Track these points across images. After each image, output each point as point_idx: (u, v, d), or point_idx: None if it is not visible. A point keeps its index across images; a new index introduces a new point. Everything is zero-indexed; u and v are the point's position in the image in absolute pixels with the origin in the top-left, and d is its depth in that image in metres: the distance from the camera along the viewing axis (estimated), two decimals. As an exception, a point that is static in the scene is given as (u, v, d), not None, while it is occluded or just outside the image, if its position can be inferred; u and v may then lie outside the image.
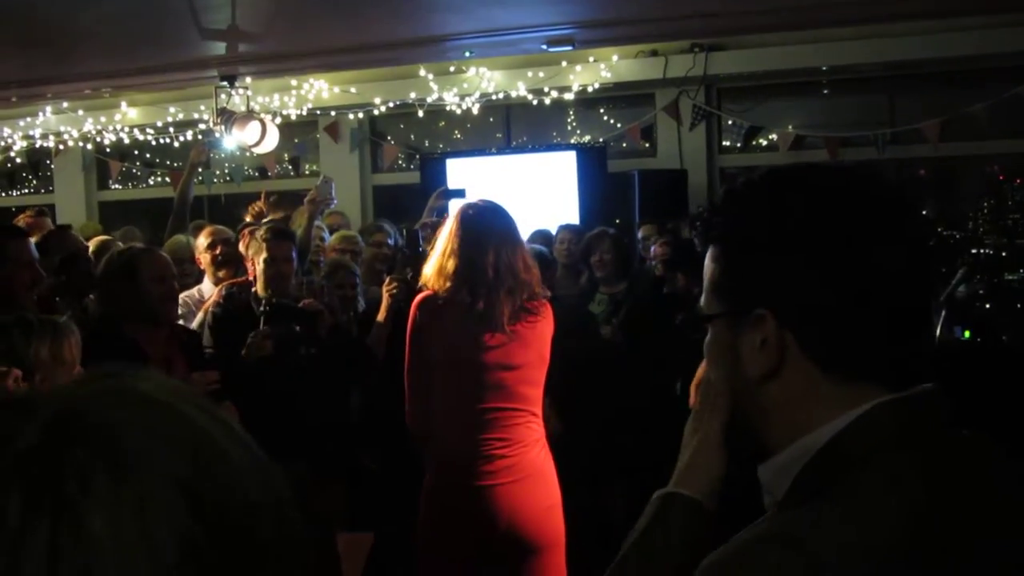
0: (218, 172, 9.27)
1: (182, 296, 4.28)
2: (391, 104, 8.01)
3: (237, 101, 6.46)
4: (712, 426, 1.13)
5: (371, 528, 3.51)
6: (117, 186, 9.87)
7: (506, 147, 8.53)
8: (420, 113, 8.00)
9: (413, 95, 7.84)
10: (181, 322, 3.96)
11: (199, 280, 4.77)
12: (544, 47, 6.55)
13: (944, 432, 0.97)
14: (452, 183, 6.82)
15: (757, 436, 1.05)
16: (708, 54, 7.28)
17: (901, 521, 0.87)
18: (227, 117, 6.11)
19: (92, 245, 4.97)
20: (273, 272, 3.85)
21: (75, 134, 8.98)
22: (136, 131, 8.87)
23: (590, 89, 7.54)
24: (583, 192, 7.29)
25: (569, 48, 6.63)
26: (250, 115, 6.19)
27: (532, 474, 3.03)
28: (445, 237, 3.08)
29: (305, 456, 3.48)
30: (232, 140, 6.19)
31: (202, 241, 4.74)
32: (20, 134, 9.12)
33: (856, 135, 7.35)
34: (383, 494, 4.04)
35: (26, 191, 10.37)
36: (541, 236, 5.75)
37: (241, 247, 4.54)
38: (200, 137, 8.29)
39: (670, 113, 7.67)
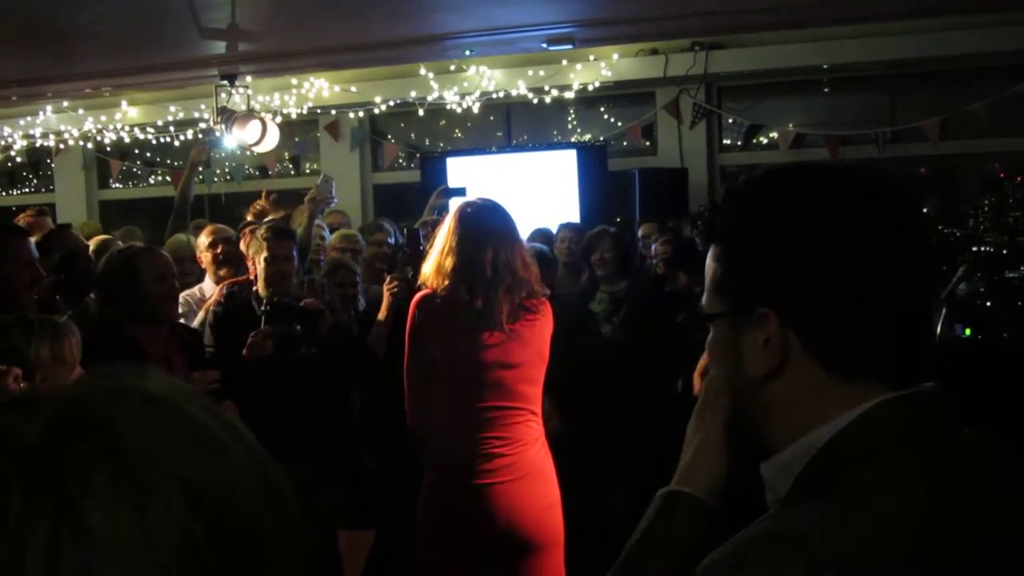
0: (219, 171, 9.27)
1: (183, 295, 4.28)
2: (391, 103, 8.01)
3: (237, 100, 6.46)
4: (714, 424, 1.13)
5: (372, 526, 3.51)
6: (118, 185, 9.87)
7: (506, 146, 8.53)
8: (420, 112, 8.00)
9: (413, 94, 7.84)
10: (182, 321, 3.96)
11: (200, 279, 4.77)
12: (544, 46, 6.54)
13: (946, 431, 0.97)
14: (452, 182, 6.83)
15: (759, 435, 1.05)
16: (708, 52, 7.28)
17: (902, 520, 0.87)
18: (227, 116, 6.11)
19: (92, 244, 4.97)
20: (274, 271, 3.85)
21: (75, 133, 8.98)
22: (136, 130, 8.87)
23: (590, 88, 7.54)
24: (583, 191, 7.29)
25: (569, 47, 6.63)
26: (250, 114, 6.19)
27: (531, 473, 3.03)
28: (444, 235, 3.08)
29: (305, 455, 3.49)
30: (232, 139, 6.19)
31: (203, 240, 4.74)
32: (20, 133, 9.12)
33: (856, 133, 7.35)
34: (383, 493, 4.04)
35: (26, 190, 10.37)
36: (541, 235, 5.76)
37: (242, 246, 4.55)
38: (200, 136, 8.29)
39: (670, 111, 7.67)
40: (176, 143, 8.89)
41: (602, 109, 8.28)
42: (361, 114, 8.40)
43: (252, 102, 6.93)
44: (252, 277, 4.07)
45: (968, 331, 4.56)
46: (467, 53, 6.98)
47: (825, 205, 0.98)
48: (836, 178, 1.02)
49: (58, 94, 8.18)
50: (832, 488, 0.92)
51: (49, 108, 8.70)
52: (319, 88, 8.04)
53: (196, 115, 8.45)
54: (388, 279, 4.10)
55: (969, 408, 1.01)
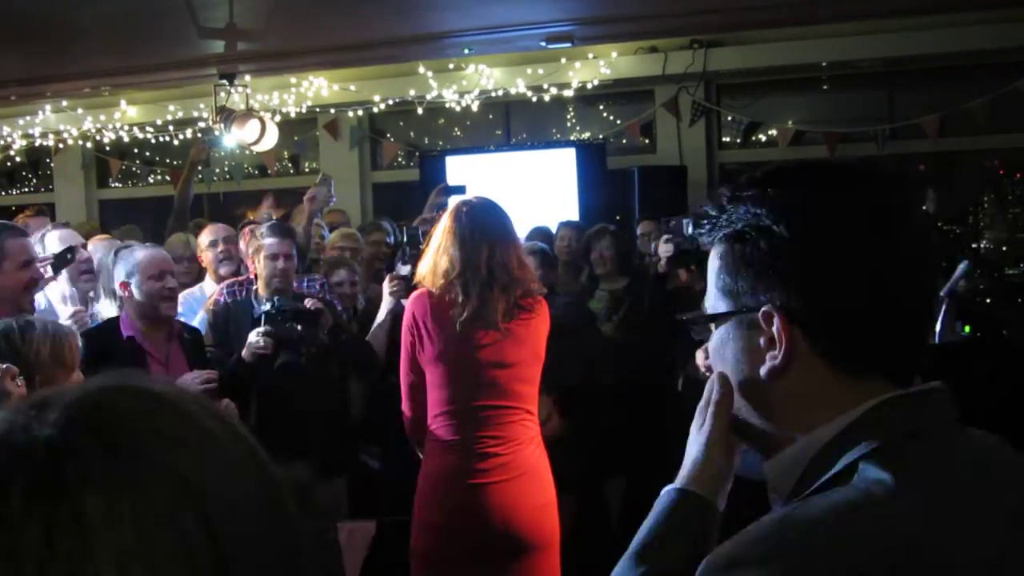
0: (218, 170, 9.26)
1: (183, 294, 4.29)
2: (390, 101, 8.00)
3: (236, 99, 6.45)
4: (717, 423, 1.13)
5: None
6: (117, 184, 9.87)
7: (506, 144, 8.52)
8: (419, 110, 7.99)
9: (412, 92, 7.83)
10: (182, 320, 3.96)
11: (200, 278, 4.78)
12: (543, 44, 6.54)
13: (950, 430, 0.97)
14: (452, 180, 6.82)
15: (762, 433, 1.05)
16: (707, 50, 7.27)
17: (903, 520, 0.87)
18: (226, 115, 6.11)
19: (91, 244, 4.96)
20: (273, 269, 3.85)
21: (75, 132, 8.98)
22: (136, 129, 8.86)
23: (589, 86, 7.53)
24: (583, 189, 7.28)
25: (568, 45, 6.63)
26: (249, 113, 6.19)
27: (527, 472, 3.02)
28: (440, 234, 3.07)
29: (306, 454, 3.49)
30: (232, 138, 6.19)
31: (203, 239, 4.75)
32: (19, 133, 9.11)
33: (855, 131, 7.34)
34: (383, 491, 4.05)
35: (26, 190, 10.36)
36: (540, 233, 5.75)
37: (242, 245, 4.55)
38: (200, 135, 8.28)
39: (669, 109, 7.66)
40: (175, 142, 8.88)
41: (601, 107, 8.27)
42: (360, 113, 8.39)
43: (251, 101, 6.93)
44: (252, 276, 4.07)
45: (968, 328, 4.56)
46: (466, 51, 6.98)
47: (829, 204, 0.99)
48: (839, 176, 1.03)
49: (57, 93, 8.17)
50: (834, 487, 0.92)
51: (48, 107, 8.70)
52: (318, 87, 8.03)
53: (195, 114, 8.45)
54: (388, 278, 4.10)
55: (969, 406, 1.01)
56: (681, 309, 4.04)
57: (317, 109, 8.29)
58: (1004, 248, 6.70)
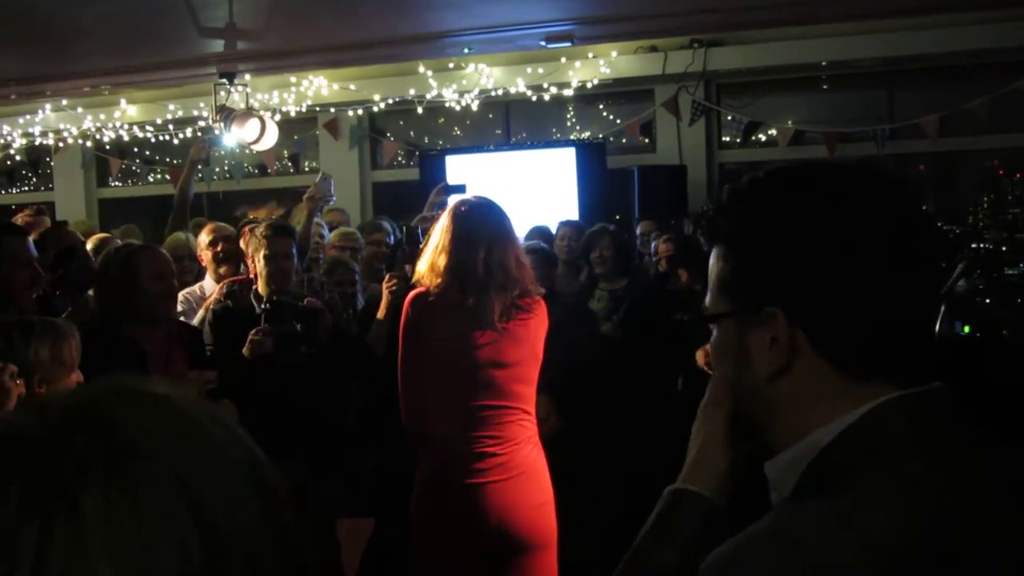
0: (218, 169, 9.26)
1: (183, 293, 4.28)
2: (390, 101, 8.01)
3: (236, 98, 6.46)
4: (718, 423, 1.13)
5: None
6: (117, 183, 9.88)
7: (505, 143, 8.52)
8: (419, 110, 7.99)
9: (412, 92, 7.84)
10: (182, 319, 3.96)
11: (200, 277, 4.78)
12: (543, 43, 6.54)
13: (951, 431, 0.97)
14: (452, 180, 6.82)
15: (763, 434, 1.05)
16: (707, 50, 7.28)
17: (904, 521, 0.87)
18: (226, 114, 6.11)
19: (90, 243, 4.97)
20: (273, 268, 3.85)
21: (75, 131, 8.99)
22: (136, 128, 8.87)
23: (589, 85, 7.53)
24: (583, 188, 7.28)
25: (568, 44, 6.63)
26: (249, 112, 6.19)
27: (524, 472, 3.02)
28: (438, 233, 3.07)
29: (305, 453, 3.49)
30: (231, 137, 6.19)
31: (203, 238, 4.74)
32: (19, 132, 9.12)
33: (855, 130, 7.35)
34: (381, 489, 4.05)
35: (26, 189, 10.38)
36: (539, 233, 5.74)
37: (242, 244, 4.55)
38: (200, 134, 8.29)
39: (669, 109, 7.66)
40: (175, 141, 8.88)
41: (601, 106, 8.27)
42: (360, 112, 8.39)
43: (251, 100, 6.94)
44: (252, 275, 4.07)
45: (967, 328, 4.56)
46: (466, 51, 6.98)
47: (831, 203, 0.98)
48: (840, 176, 1.03)
49: (57, 93, 8.18)
50: (835, 487, 0.92)
51: (48, 107, 8.70)
52: (318, 86, 8.04)
53: (195, 113, 8.46)
54: (387, 277, 4.10)
55: (968, 406, 1.01)
56: (681, 309, 4.05)
57: (317, 108, 8.30)
58: (1004, 248, 6.69)
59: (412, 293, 3.12)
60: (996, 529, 0.90)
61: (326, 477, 3.77)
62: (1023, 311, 4.95)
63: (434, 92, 7.78)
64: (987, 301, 4.99)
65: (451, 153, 7.90)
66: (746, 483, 1.15)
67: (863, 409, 0.95)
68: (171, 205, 6.02)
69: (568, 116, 8.40)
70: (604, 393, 4.38)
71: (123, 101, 8.57)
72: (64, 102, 8.66)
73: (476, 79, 7.76)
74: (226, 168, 9.25)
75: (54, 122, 8.98)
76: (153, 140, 9.10)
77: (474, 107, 7.83)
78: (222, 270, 4.62)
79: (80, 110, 8.84)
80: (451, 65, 7.69)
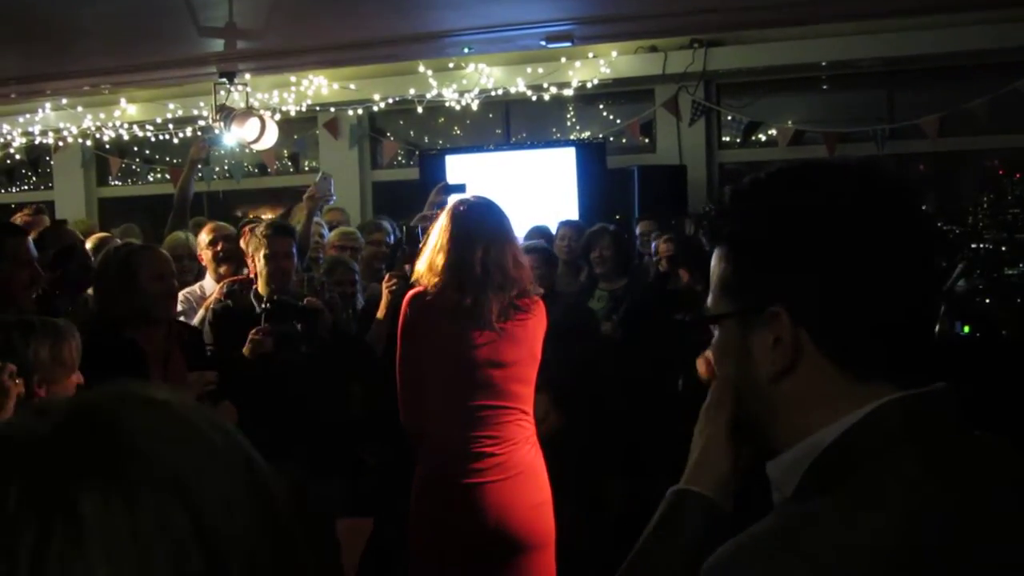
0: (218, 168, 9.26)
1: (183, 293, 4.28)
2: (390, 100, 8.00)
3: (236, 97, 6.46)
4: (720, 423, 1.13)
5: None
6: (117, 183, 9.88)
7: (505, 143, 8.52)
8: (419, 109, 7.99)
9: (412, 91, 7.84)
10: (182, 319, 3.96)
11: (200, 277, 4.77)
12: (543, 43, 6.54)
13: (953, 432, 0.97)
14: (452, 179, 6.82)
15: (765, 434, 1.05)
16: (707, 50, 7.28)
17: (905, 521, 0.87)
18: (226, 114, 6.11)
19: (90, 243, 4.97)
20: (273, 268, 3.85)
21: (74, 131, 8.98)
22: (135, 127, 8.87)
23: (589, 85, 7.53)
24: (582, 188, 7.28)
25: (568, 44, 6.63)
26: (249, 111, 6.19)
27: (523, 472, 3.02)
28: (437, 233, 3.07)
29: (305, 453, 3.49)
30: (231, 136, 6.19)
31: (203, 237, 4.74)
32: (19, 131, 9.12)
33: (855, 130, 7.35)
34: (382, 489, 4.05)
35: (26, 188, 10.37)
36: (540, 233, 5.74)
37: (242, 243, 4.55)
38: (200, 134, 8.29)
39: (669, 109, 7.66)
40: (175, 140, 8.88)
41: (601, 106, 8.27)
42: (360, 111, 8.39)
43: (251, 99, 6.93)
44: (252, 275, 4.07)
45: (967, 328, 4.57)
46: (466, 51, 6.98)
47: (834, 204, 0.98)
48: (843, 177, 1.03)
49: (57, 92, 8.18)
50: (836, 488, 0.92)
51: (48, 106, 8.70)
52: (318, 86, 8.03)
53: (195, 112, 8.45)
54: (387, 277, 4.10)
55: (968, 406, 1.01)
56: (681, 309, 4.05)
57: (317, 108, 8.30)
58: (1004, 248, 6.69)
59: (410, 293, 3.12)
60: (996, 529, 0.90)
61: (326, 477, 3.77)
62: (1023, 311, 4.95)
63: (434, 92, 7.77)
64: (987, 301, 4.99)
65: (451, 153, 7.90)
66: (748, 483, 1.15)
67: (865, 409, 0.95)
68: (171, 204, 6.03)
69: (568, 116, 8.40)
70: (604, 393, 4.38)
71: (123, 100, 8.57)
72: (64, 101, 8.66)
73: (476, 79, 7.76)
74: (226, 167, 9.24)
75: (54, 121, 8.98)
76: (153, 139, 9.10)
77: (474, 107, 7.83)
78: (222, 270, 4.62)
79: (80, 109, 8.84)
80: (451, 65, 7.69)
